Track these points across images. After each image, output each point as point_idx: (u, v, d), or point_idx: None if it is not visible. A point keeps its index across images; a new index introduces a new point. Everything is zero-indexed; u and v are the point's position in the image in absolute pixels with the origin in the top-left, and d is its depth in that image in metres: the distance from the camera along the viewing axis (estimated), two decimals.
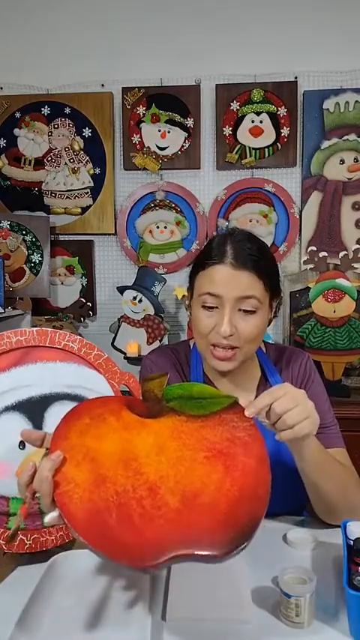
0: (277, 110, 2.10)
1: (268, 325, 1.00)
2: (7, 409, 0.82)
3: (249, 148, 2.12)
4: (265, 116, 2.11)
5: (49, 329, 0.85)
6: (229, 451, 0.63)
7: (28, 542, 0.81)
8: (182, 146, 2.15)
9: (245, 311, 0.90)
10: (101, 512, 0.58)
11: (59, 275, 2.26)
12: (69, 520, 0.58)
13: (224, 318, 0.89)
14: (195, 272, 0.97)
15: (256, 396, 0.77)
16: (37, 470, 0.64)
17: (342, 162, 2.11)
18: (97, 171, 2.20)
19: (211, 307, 0.91)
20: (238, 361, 0.93)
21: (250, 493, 0.60)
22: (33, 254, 2.16)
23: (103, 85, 2.17)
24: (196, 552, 0.55)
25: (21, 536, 0.81)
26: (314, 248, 2.06)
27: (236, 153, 2.12)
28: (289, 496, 0.91)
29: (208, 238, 1.01)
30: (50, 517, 0.63)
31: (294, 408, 0.73)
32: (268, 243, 2.15)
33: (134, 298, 2.09)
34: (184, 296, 1.08)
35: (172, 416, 0.67)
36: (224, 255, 0.91)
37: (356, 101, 2.07)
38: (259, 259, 0.91)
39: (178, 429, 0.66)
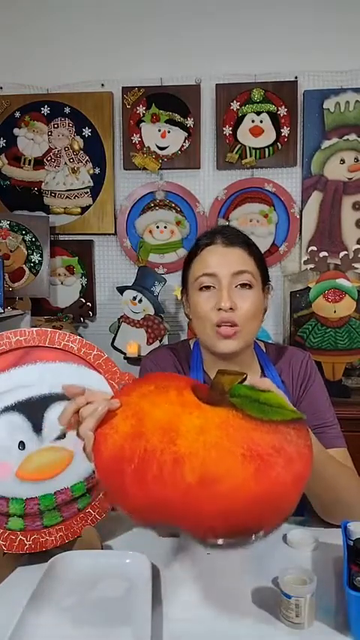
0: (278, 110, 2.10)
1: (263, 316, 1.02)
2: (7, 409, 0.82)
3: (249, 147, 2.12)
4: (265, 116, 2.11)
5: (49, 329, 0.85)
6: (269, 459, 0.59)
7: (27, 543, 0.81)
8: (182, 146, 2.15)
9: (242, 286, 0.94)
10: (125, 459, 0.60)
11: (59, 275, 2.26)
12: (96, 456, 0.63)
13: (223, 293, 0.92)
14: (188, 265, 1.02)
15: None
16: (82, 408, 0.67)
17: (342, 162, 2.10)
18: (97, 170, 2.20)
19: (208, 287, 0.95)
20: (241, 341, 0.94)
21: (269, 503, 0.57)
22: (33, 254, 2.16)
23: (103, 85, 2.17)
24: (189, 529, 0.58)
25: (20, 536, 0.81)
26: (314, 248, 2.05)
27: (236, 153, 2.12)
28: None
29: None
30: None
31: None
32: (269, 243, 2.15)
33: (134, 298, 2.08)
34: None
35: (229, 410, 0.65)
36: (215, 238, 0.97)
37: (357, 101, 2.07)
38: (247, 239, 0.99)
39: (228, 421, 0.63)
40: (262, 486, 0.57)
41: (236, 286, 0.94)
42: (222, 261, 0.94)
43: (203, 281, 0.95)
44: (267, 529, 0.57)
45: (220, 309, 0.92)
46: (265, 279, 1.01)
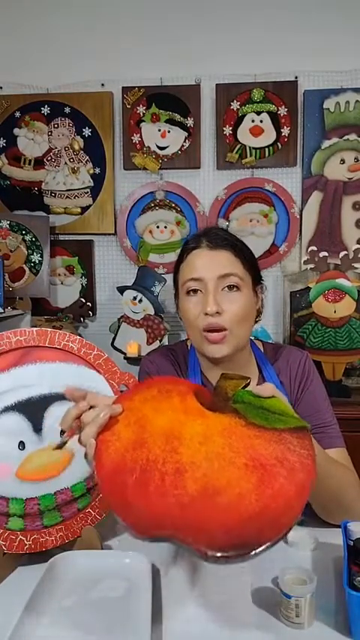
0: (278, 110, 2.10)
1: (258, 317, 1.03)
2: (7, 409, 0.82)
3: (249, 147, 2.12)
4: (265, 116, 2.11)
5: (49, 329, 0.85)
6: (272, 469, 0.59)
7: (27, 543, 0.81)
8: (182, 146, 2.15)
9: (229, 288, 0.93)
10: (126, 470, 0.60)
11: (59, 275, 2.26)
12: (97, 465, 0.61)
13: (209, 297, 0.92)
14: (177, 269, 1.01)
15: None
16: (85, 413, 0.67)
17: (342, 162, 2.10)
18: (97, 170, 2.20)
19: (195, 291, 0.94)
20: (231, 345, 0.93)
21: (270, 516, 0.56)
22: (33, 254, 2.16)
23: (103, 85, 2.17)
24: (189, 541, 0.56)
25: (20, 536, 0.81)
26: (314, 248, 2.05)
27: (236, 152, 2.12)
28: None
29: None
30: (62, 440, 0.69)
31: None
32: (268, 243, 2.15)
33: (134, 298, 2.08)
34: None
35: (232, 416, 0.65)
36: (200, 242, 0.96)
37: (357, 101, 2.07)
38: (234, 241, 0.97)
39: (231, 429, 0.64)
40: (264, 498, 0.57)
41: (223, 289, 0.93)
42: (207, 265, 0.93)
43: (190, 285, 0.94)
44: (267, 542, 0.56)
45: (206, 313, 0.91)
46: (257, 280, 1.00)
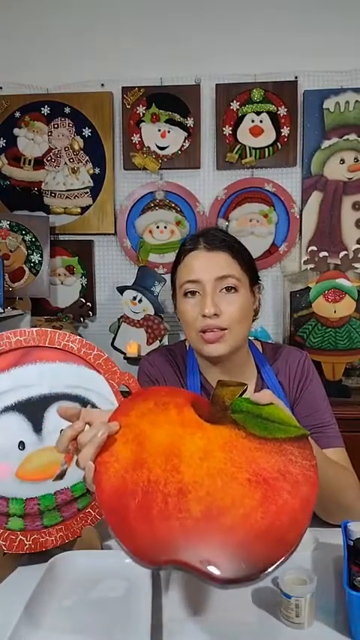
0: (278, 110, 2.10)
1: (256, 316, 1.02)
2: (7, 409, 0.82)
3: (249, 147, 2.12)
4: (265, 116, 2.11)
5: (49, 329, 0.85)
6: (275, 483, 0.59)
7: (27, 543, 0.81)
8: (182, 146, 2.15)
9: (227, 290, 0.93)
10: (127, 493, 0.59)
11: (59, 275, 2.26)
12: (97, 489, 0.60)
13: (207, 299, 0.91)
14: (174, 270, 1.01)
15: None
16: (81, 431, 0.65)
17: (342, 162, 2.10)
18: (97, 170, 2.20)
19: (193, 292, 0.94)
20: (229, 345, 0.93)
21: (277, 534, 0.55)
22: (33, 254, 2.16)
23: (102, 85, 2.17)
24: (197, 566, 0.53)
25: (20, 536, 0.81)
26: (314, 248, 2.06)
27: (236, 152, 2.12)
28: None
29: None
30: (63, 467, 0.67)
31: None
32: (268, 243, 2.15)
33: (134, 298, 2.08)
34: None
35: (231, 428, 0.65)
36: (198, 243, 0.96)
37: (356, 101, 2.07)
38: (231, 242, 0.97)
39: (232, 442, 0.63)
40: (269, 515, 0.56)
41: (221, 290, 0.93)
42: (205, 267, 0.93)
43: (188, 287, 0.94)
44: (276, 561, 0.53)
45: (204, 315, 0.91)
46: (254, 280, 1.00)
